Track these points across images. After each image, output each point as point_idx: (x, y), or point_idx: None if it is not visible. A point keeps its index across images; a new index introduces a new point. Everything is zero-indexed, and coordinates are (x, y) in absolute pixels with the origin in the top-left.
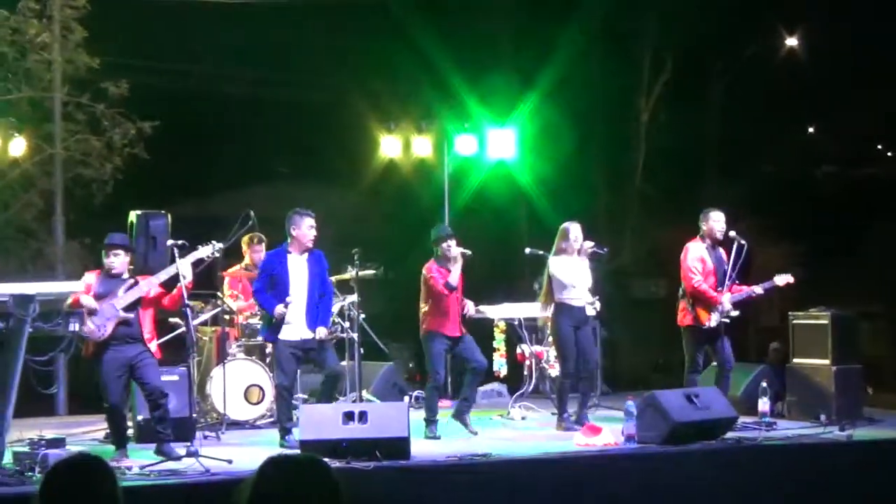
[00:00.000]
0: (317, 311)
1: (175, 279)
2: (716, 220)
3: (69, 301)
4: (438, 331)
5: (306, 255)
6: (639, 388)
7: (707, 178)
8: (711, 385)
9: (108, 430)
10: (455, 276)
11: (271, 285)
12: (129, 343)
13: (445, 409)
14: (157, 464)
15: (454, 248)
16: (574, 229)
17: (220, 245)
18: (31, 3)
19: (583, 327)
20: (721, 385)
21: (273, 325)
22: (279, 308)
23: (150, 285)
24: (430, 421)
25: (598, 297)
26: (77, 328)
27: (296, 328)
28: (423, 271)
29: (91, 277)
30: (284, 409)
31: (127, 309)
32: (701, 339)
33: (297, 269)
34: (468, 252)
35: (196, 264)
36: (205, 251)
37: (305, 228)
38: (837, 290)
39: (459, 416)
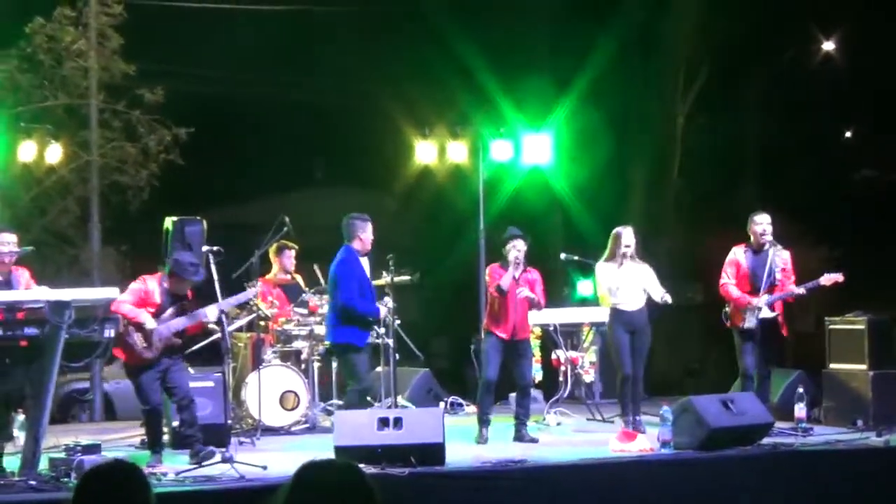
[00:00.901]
0: None
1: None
2: (758, 223)
3: (128, 314)
4: (490, 330)
5: (365, 258)
6: (673, 393)
7: (744, 182)
8: (750, 391)
9: (143, 437)
10: (506, 280)
11: (360, 291)
12: (168, 357)
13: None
14: (192, 470)
15: (513, 251)
16: (626, 234)
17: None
18: (66, 11)
19: (637, 331)
20: (757, 391)
21: (363, 329)
22: (383, 310)
23: (207, 316)
24: (483, 421)
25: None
26: (112, 334)
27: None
28: (486, 272)
29: (153, 284)
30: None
31: (178, 334)
32: (744, 342)
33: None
34: (519, 262)
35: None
36: (251, 293)
37: (370, 233)
38: (874, 294)
39: (518, 435)
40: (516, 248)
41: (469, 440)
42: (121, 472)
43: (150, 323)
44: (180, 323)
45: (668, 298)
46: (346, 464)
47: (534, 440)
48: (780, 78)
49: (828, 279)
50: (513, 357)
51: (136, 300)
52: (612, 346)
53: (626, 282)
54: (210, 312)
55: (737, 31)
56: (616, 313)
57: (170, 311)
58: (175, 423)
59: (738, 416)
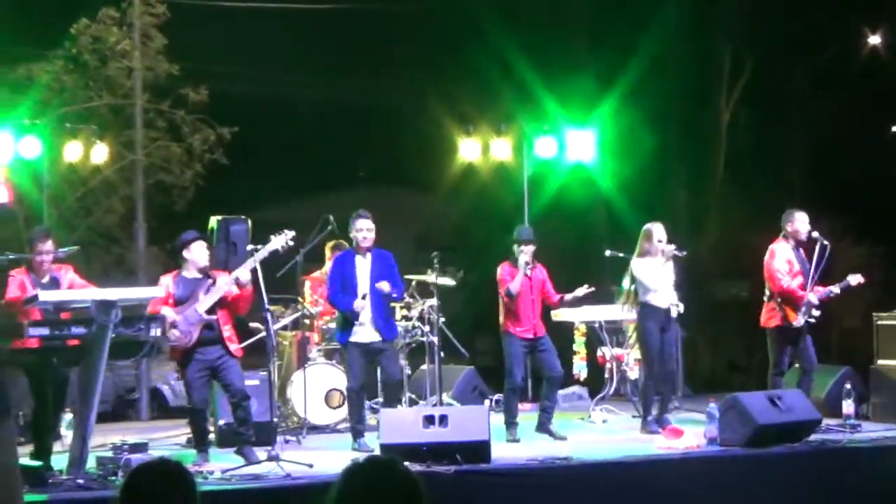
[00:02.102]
0: (384, 314)
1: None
2: (801, 221)
3: (148, 310)
4: (510, 332)
5: (369, 255)
6: (718, 390)
7: (788, 178)
8: (794, 387)
9: (190, 435)
10: (516, 285)
11: (342, 287)
12: (212, 345)
13: (525, 412)
14: (238, 468)
15: (523, 256)
16: (657, 230)
17: (293, 233)
18: (111, 12)
19: (667, 329)
20: (804, 387)
21: (345, 328)
22: (357, 301)
23: (228, 284)
24: (510, 423)
25: (680, 302)
26: (159, 333)
27: (365, 330)
28: (497, 270)
29: (168, 280)
30: (354, 412)
31: (209, 311)
32: (787, 341)
33: (363, 269)
34: (530, 265)
35: (271, 256)
36: (278, 242)
37: (354, 230)
38: None
39: (543, 427)
40: (526, 254)
41: None
42: (166, 470)
43: (168, 312)
44: (207, 301)
45: (682, 308)
46: (394, 461)
47: (561, 438)
48: (826, 73)
49: (854, 279)
50: (539, 353)
51: (162, 301)
52: (642, 344)
53: (662, 278)
54: (240, 273)
55: (780, 28)
56: (651, 310)
57: (195, 294)
58: (221, 422)
59: (785, 413)
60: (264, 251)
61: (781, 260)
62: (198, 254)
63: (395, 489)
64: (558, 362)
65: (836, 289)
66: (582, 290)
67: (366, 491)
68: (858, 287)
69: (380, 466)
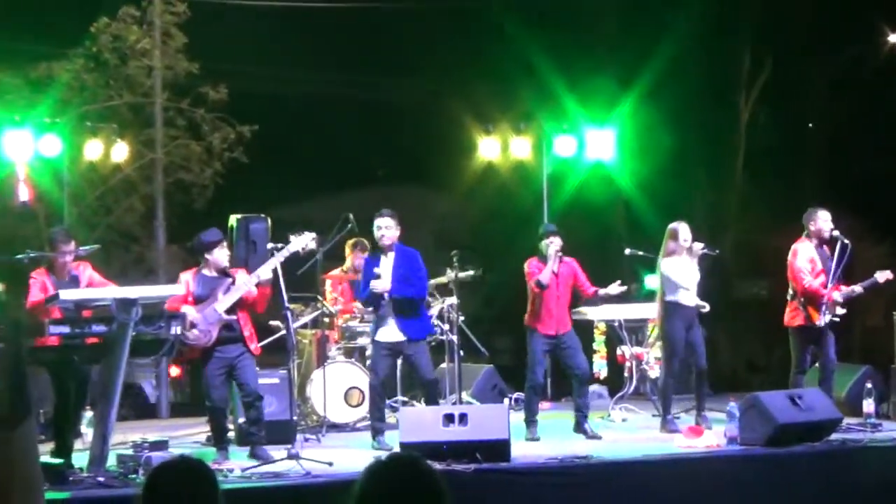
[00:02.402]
0: (408, 313)
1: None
2: (824, 220)
3: (167, 307)
4: (534, 327)
5: (391, 254)
6: (738, 389)
7: (807, 177)
8: (814, 386)
9: (209, 433)
10: (546, 275)
11: (366, 286)
12: (232, 344)
13: (544, 410)
14: (258, 466)
15: (552, 247)
16: (683, 230)
17: (313, 234)
18: (131, 10)
19: (694, 327)
20: (824, 386)
21: (373, 326)
22: (373, 282)
23: (248, 284)
24: (530, 422)
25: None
26: (179, 331)
27: (388, 330)
28: (525, 265)
29: (188, 277)
30: (375, 410)
31: (229, 311)
32: (810, 340)
33: (385, 267)
34: (559, 249)
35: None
36: (299, 243)
37: (375, 229)
38: None
39: (579, 427)
40: (554, 244)
41: None
42: (188, 468)
43: (189, 311)
44: (226, 301)
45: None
46: (417, 459)
47: (596, 436)
48: (845, 72)
49: (882, 275)
50: (562, 350)
51: (178, 300)
52: (666, 341)
53: (689, 277)
54: (261, 272)
55: (799, 27)
56: (678, 308)
57: (215, 293)
58: (241, 420)
59: (805, 412)
60: (285, 252)
61: (804, 259)
62: (220, 256)
63: (418, 487)
64: (583, 359)
65: (858, 288)
66: (616, 288)
67: (388, 489)
68: (886, 284)
69: (403, 464)
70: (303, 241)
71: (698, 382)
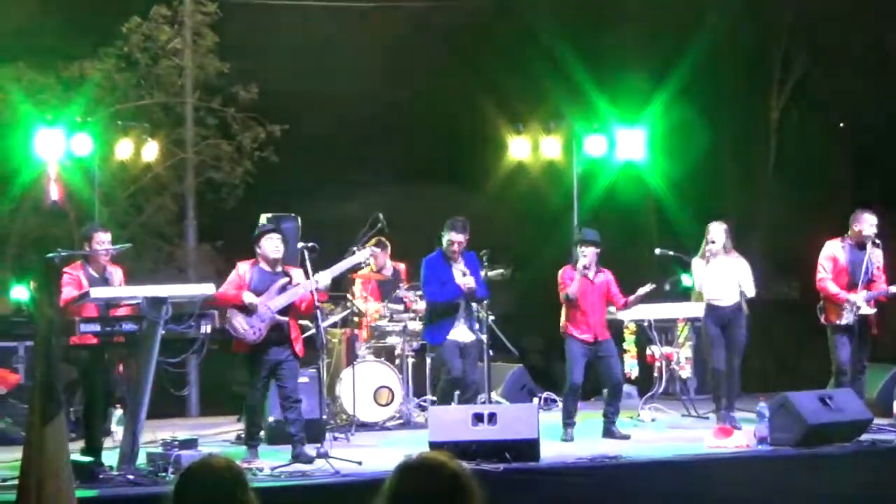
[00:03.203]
0: (474, 316)
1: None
2: (869, 224)
3: (230, 297)
4: (570, 334)
5: (461, 260)
6: (770, 389)
7: (841, 175)
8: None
9: (239, 432)
10: (573, 288)
11: (441, 285)
12: (280, 346)
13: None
14: (287, 465)
15: (582, 260)
16: (713, 229)
17: (377, 249)
18: (162, 10)
19: (731, 326)
20: (855, 386)
21: (439, 326)
22: (464, 280)
23: (306, 287)
24: (567, 424)
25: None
26: (209, 330)
27: (460, 330)
28: (559, 273)
29: (246, 267)
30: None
31: (282, 312)
32: (839, 338)
33: (457, 271)
34: (588, 268)
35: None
36: (362, 255)
37: (446, 240)
38: None
39: (607, 432)
40: (585, 256)
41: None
42: (219, 467)
43: (249, 298)
44: (281, 301)
45: (749, 295)
46: (447, 457)
47: (625, 436)
48: (877, 69)
49: None
50: (599, 358)
51: (236, 286)
52: (704, 341)
53: (716, 276)
54: (321, 278)
55: (831, 24)
56: (709, 308)
57: (270, 290)
58: (271, 419)
59: (836, 413)
60: (349, 261)
61: (825, 257)
62: (266, 248)
63: (448, 486)
64: (619, 371)
65: (893, 288)
66: (645, 289)
67: (418, 487)
68: None
69: (433, 462)
70: (364, 255)
71: (728, 381)
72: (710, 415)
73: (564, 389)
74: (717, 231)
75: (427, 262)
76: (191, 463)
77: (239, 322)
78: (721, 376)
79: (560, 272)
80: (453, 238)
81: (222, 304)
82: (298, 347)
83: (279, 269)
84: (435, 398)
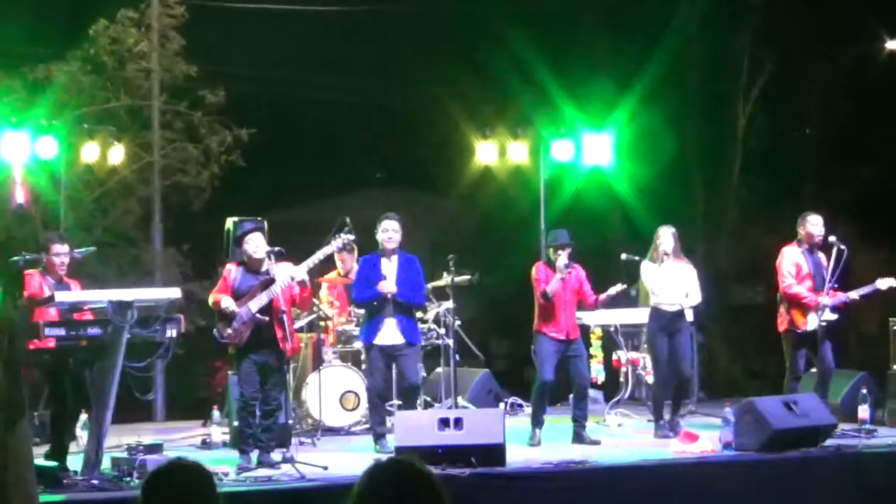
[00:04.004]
0: (407, 318)
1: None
2: (813, 225)
3: (210, 301)
4: (543, 331)
5: (395, 258)
6: (735, 394)
7: (806, 181)
8: (810, 391)
9: (204, 436)
10: (553, 286)
11: (367, 286)
12: (264, 346)
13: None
14: (253, 469)
15: (561, 260)
16: (661, 234)
17: (351, 237)
18: (129, 13)
19: (677, 333)
20: (820, 392)
21: (369, 328)
22: (382, 283)
23: (283, 284)
24: (536, 424)
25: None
26: (174, 334)
27: (387, 332)
28: (532, 270)
29: (231, 270)
30: (375, 414)
31: (262, 311)
32: (799, 344)
33: (388, 270)
34: (570, 266)
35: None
36: (336, 244)
37: (380, 231)
38: None
39: (577, 437)
40: (564, 258)
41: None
42: (187, 470)
43: (226, 303)
44: (260, 300)
45: (693, 303)
46: (415, 462)
47: (595, 442)
48: (843, 77)
49: (883, 283)
50: (570, 358)
51: (222, 289)
52: (650, 346)
53: (666, 281)
54: (296, 272)
55: (797, 31)
56: (656, 313)
57: (253, 290)
58: (236, 423)
59: (801, 418)
60: (322, 253)
61: (788, 263)
62: (249, 248)
63: (417, 490)
64: (587, 370)
65: (854, 294)
66: (615, 289)
67: (388, 492)
68: (890, 291)
69: (402, 467)
70: (338, 244)
71: (677, 389)
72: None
73: (534, 387)
74: (666, 235)
75: (361, 262)
76: (158, 465)
77: (222, 325)
78: (662, 385)
79: (533, 270)
80: (386, 226)
81: (215, 309)
82: (288, 346)
83: (263, 268)
84: (400, 402)
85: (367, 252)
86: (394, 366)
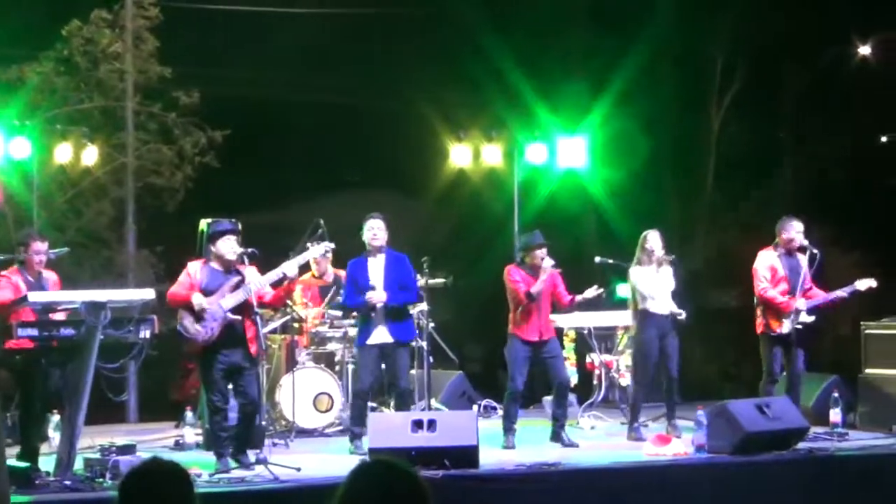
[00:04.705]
0: (398, 318)
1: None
2: (797, 231)
3: (179, 298)
4: (517, 334)
5: (381, 256)
6: (709, 398)
7: (778, 186)
8: (784, 395)
9: (178, 437)
10: (538, 287)
11: (356, 291)
12: (233, 346)
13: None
14: (226, 471)
15: (546, 261)
16: (650, 238)
17: (332, 245)
18: (103, 14)
19: (667, 337)
20: (792, 395)
21: (362, 330)
22: (370, 293)
23: (259, 284)
24: (508, 429)
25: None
26: (148, 335)
27: (378, 332)
28: (505, 273)
29: (196, 267)
30: (357, 416)
31: (234, 311)
32: (774, 347)
33: (376, 270)
34: (554, 264)
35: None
36: (316, 251)
37: (365, 230)
38: None
39: (556, 436)
40: (548, 258)
41: (503, 444)
42: (165, 470)
43: (198, 300)
44: (232, 300)
45: (683, 315)
46: (400, 462)
47: (573, 444)
48: (816, 82)
49: (863, 283)
50: (544, 358)
51: (188, 286)
52: (637, 350)
53: (657, 286)
54: (288, 268)
55: (770, 36)
56: (648, 317)
57: (222, 289)
58: (209, 425)
59: (773, 421)
60: (304, 256)
61: (763, 266)
62: (224, 248)
63: (402, 490)
64: (565, 369)
65: (832, 296)
66: (592, 291)
67: (371, 492)
68: (870, 292)
69: (388, 467)
70: (319, 251)
71: (668, 392)
72: (648, 422)
73: (506, 393)
74: (655, 239)
75: (349, 265)
76: (136, 465)
77: (189, 322)
78: (643, 388)
79: (506, 273)
80: (371, 224)
81: (174, 305)
82: (253, 348)
83: (232, 269)
84: (374, 405)
85: (342, 255)
86: (383, 366)
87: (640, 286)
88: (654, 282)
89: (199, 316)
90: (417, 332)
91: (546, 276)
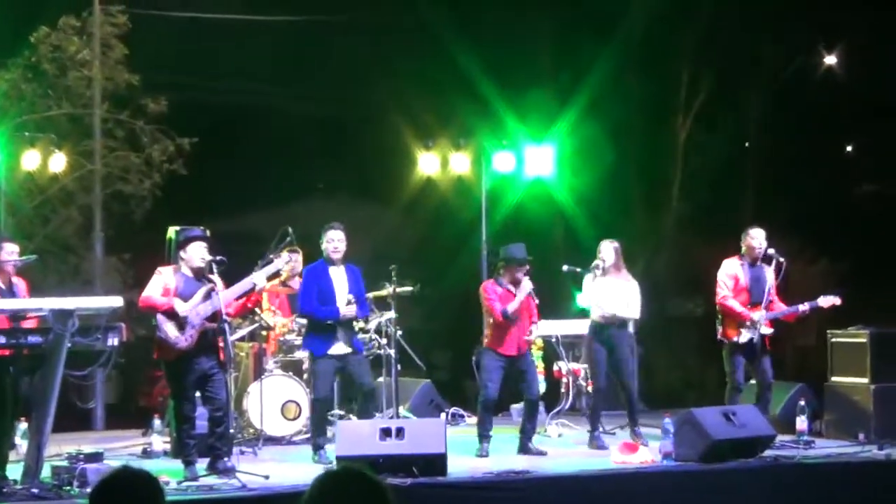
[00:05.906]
0: (352, 330)
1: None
2: (755, 238)
3: (158, 304)
4: (493, 348)
5: (342, 268)
6: (674, 405)
7: (744, 196)
8: (751, 403)
9: (145, 445)
10: (514, 305)
11: (320, 298)
12: (206, 353)
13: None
14: (195, 479)
15: (526, 281)
16: (603, 248)
17: (298, 256)
18: (71, 21)
19: (617, 347)
20: (760, 403)
21: (321, 339)
22: (344, 308)
23: (224, 300)
24: (482, 437)
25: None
26: (116, 343)
27: (338, 345)
28: (481, 290)
29: (169, 274)
30: (318, 425)
31: (209, 319)
32: (736, 356)
33: (339, 280)
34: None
35: (271, 276)
36: (280, 263)
37: (326, 241)
38: (877, 309)
39: (523, 448)
40: (523, 275)
41: (471, 451)
42: (136, 478)
43: (181, 307)
44: (209, 307)
45: (632, 317)
46: (365, 471)
47: (542, 453)
48: (781, 92)
49: (826, 300)
50: (518, 372)
51: (162, 291)
52: (590, 358)
53: (605, 295)
54: (257, 279)
55: (737, 47)
56: (597, 326)
57: (197, 296)
58: (176, 434)
59: (739, 429)
60: (268, 269)
61: (726, 274)
62: (193, 255)
63: (367, 498)
64: (537, 384)
65: (804, 306)
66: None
67: (336, 499)
68: (831, 308)
69: (353, 475)
70: (282, 262)
71: (627, 400)
72: (615, 430)
73: (479, 402)
74: (608, 249)
75: (307, 271)
76: (107, 473)
77: (170, 328)
78: (601, 397)
79: (482, 289)
80: (332, 236)
81: (147, 310)
82: (223, 355)
83: (202, 276)
84: (342, 412)
85: (311, 261)
86: (338, 377)
87: (590, 294)
88: (600, 290)
89: (180, 323)
90: (385, 340)
91: (523, 296)
